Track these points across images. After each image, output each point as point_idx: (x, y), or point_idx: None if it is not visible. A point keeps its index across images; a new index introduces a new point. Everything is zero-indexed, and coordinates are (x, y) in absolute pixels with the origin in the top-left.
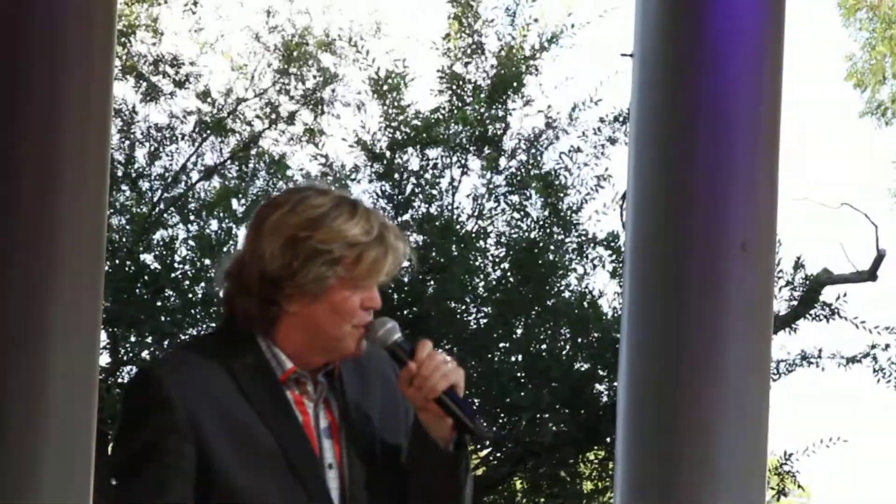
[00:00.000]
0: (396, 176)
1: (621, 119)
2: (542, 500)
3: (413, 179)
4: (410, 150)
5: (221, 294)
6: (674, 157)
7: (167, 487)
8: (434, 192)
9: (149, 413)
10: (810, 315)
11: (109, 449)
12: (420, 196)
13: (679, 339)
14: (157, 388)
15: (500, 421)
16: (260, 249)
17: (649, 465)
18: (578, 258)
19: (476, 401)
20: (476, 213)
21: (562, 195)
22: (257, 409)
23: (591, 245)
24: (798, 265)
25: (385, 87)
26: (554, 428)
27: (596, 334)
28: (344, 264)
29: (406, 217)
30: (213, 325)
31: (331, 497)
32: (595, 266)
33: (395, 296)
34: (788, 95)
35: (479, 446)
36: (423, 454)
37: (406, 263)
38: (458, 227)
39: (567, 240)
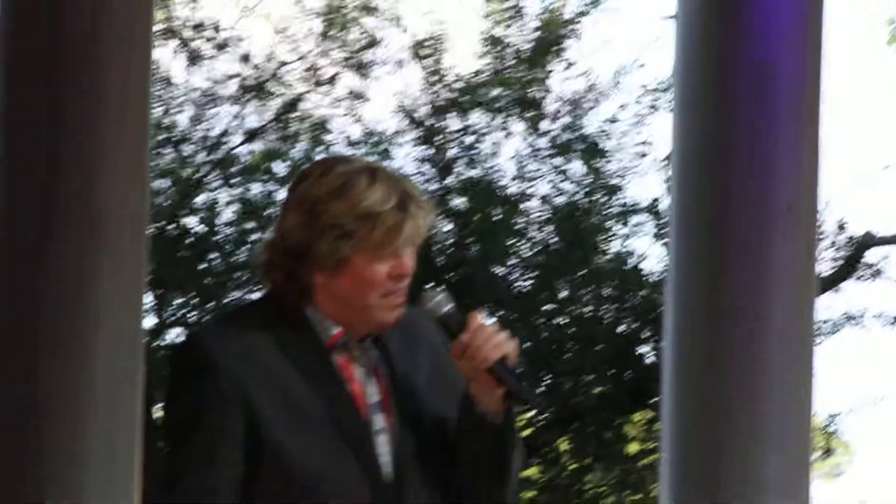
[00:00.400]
0: (438, 140)
1: (663, 87)
2: (588, 461)
3: (455, 144)
4: (452, 114)
5: (260, 265)
6: (717, 120)
7: (216, 451)
8: (476, 155)
9: (196, 378)
10: (854, 276)
11: (156, 410)
12: (462, 160)
13: (723, 301)
14: (203, 353)
15: (545, 384)
16: (285, 222)
17: (695, 424)
18: (621, 222)
19: (520, 366)
20: (519, 176)
21: (604, 159)
22: (304, 375)
23: (633, 210)
24: (841, 226)
25: (425, 51)
26: (598, 390)
27: (639, 296)
28: (358, 237)
29: (449, 180)
30: (257, 286)
31: (378, 463)
32: (637, 231)
33: (439, 260)
34: (832, 58)
35: (524, 410)
36: (471, 425)
37: (446, 227)
38: (500, 190)
39: (610, 202)
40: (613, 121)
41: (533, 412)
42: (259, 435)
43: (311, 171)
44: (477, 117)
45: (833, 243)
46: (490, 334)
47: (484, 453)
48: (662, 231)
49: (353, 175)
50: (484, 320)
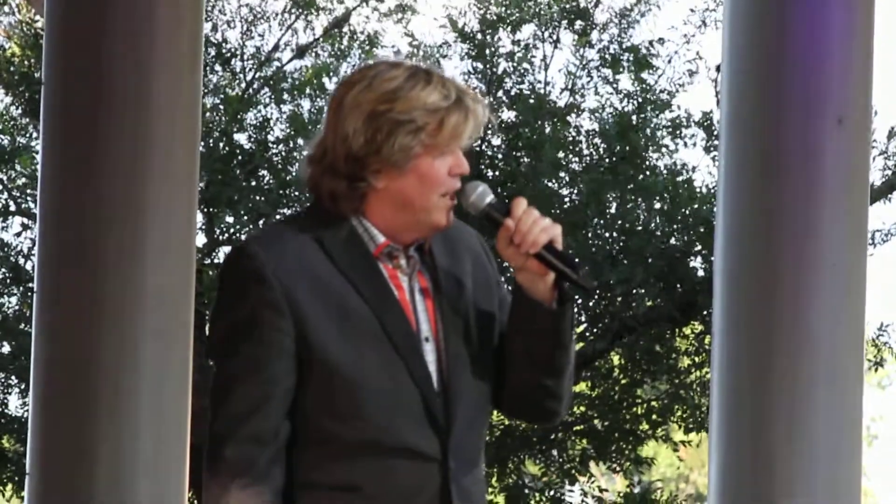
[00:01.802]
0: (488, 53)
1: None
2: (639, 375)
3: (504, 58)
4: (500, 27)
5: (307, 179)
6: (769, 33)
7: (266, 363)
8: (526, 68)
9: (244, 289)
10: None
11: (207, 329)
12: (512, 75)
13: (776, 212)
14: (251, 263)
15: (596, 297)
16: (342, 129)
17: (746, 336)
18: (671, 135)
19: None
20: (569, 88)
21: (653, 72)
22: (353, 283)
23: (685, 123)
24: (892, 134)
25: None
26: (649, 303)
27: (690, 209)
28: (427, 131)
29: (499, 94)
30: (308, 204)
31: (428, 370)
32: (687, 144)
33: (490, 173)
34: None
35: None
36: (526, 314)
37: (496, 141)
38: (550, 103)
39: (660, 117)
40: (662, 41)
41: (583, 326)
42: (309, 345)
43: (361, 76)
44: (525, 29)
45: (883, 151)
46: (536, 217)
47: (542, 342)
48: (713, 144)
49: (409, 75)
50: (527, 206)
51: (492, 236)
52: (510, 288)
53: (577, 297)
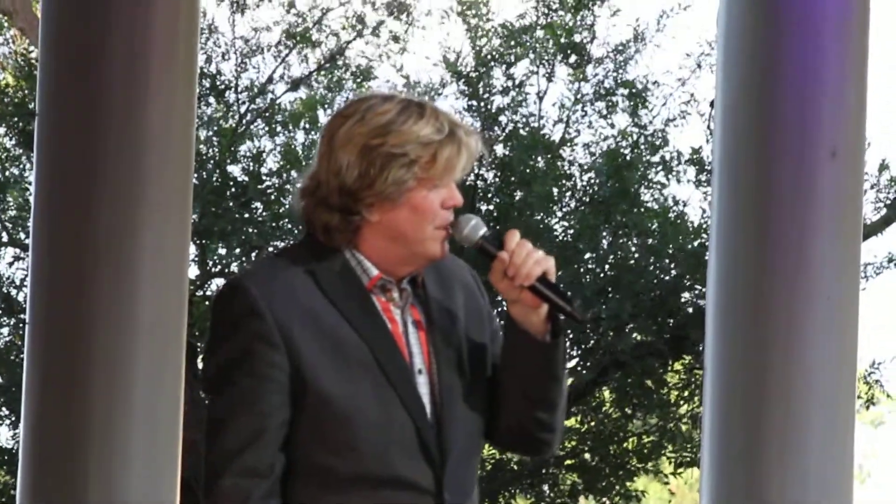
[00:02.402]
0: (482, 90)
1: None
2: (630, 409)
3: (499, 96)
4: (495, 64)
5: (300, 211)
6: (761, 66)
7: (261, 396)
8: (520, 102)
9: (238, 323)
10: None
11: (199, 362)
12: (506, 111)
13: (769, 246)
14: (244, 297)
15: (587, 331)
16: (335, 163)
17: (738, 372)
18: (663, 170)
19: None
20: (563, 120)
21: (648, 109)
22: (346, 316)
23: (676, 159)
24: (883, 167)
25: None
26: (639, 337)
27: (682, 244)
28: (420, 165)
29: (495, 130)
30: (300, 235)
31: (422, 402)
32: (679, 180)
33: (484, 207)
34: (878, 5)
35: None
36: (520, 347)
37: (490, 175)
38: (544, 135)
39: (652, 150)
40: (657, 83)
41: (574, 360)
42: (304, 378)
43: (353, 110)
44: (521, 70)
45: (875, 184)
46: (530, 250)
47: (535, 374)
48: (704, 179)
49: (402, 108)
50: (521, 238)
51: (485, 270)
52: (503, 321)
53: (569, 330)
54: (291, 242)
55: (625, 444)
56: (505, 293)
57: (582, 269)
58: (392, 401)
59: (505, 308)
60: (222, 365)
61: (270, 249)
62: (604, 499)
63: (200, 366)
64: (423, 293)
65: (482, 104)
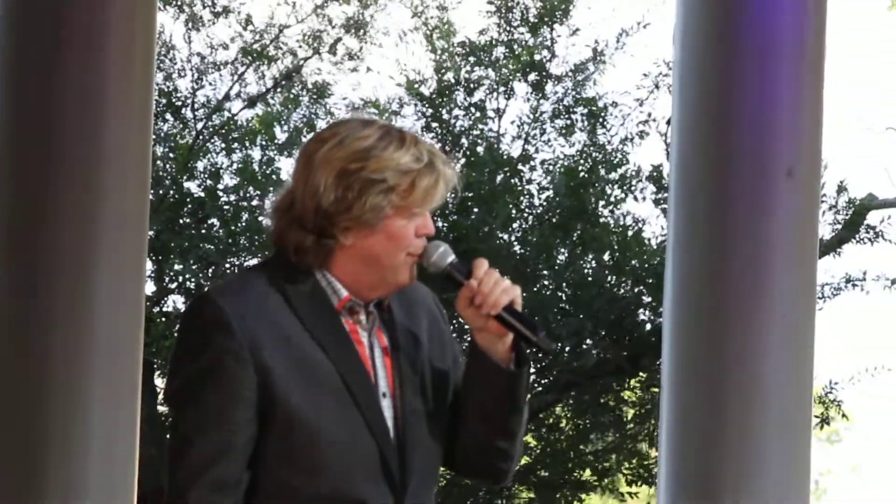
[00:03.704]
0: (443, 112)
1: (666, 68)
2: (586, 426)
3: (460, 117)
4: (457, 86)
5: (270, 229)
6: (718, 84)
7: (229, 412)
8: (479, 120)
9: (207, 337)
10: (855, 238)
11: (156, 377)
12: (469, 133)
13: (725, 265)
14: (215, 313)
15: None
16: (312, 184)
17: (695, 390)
18: (621, 188)
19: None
20: (522, 137)
21: (606, 131)
22: (315, 337)
23: (636, 177)
24: (842, 189)
25: (429, 13)
26: (597, 354)
27: (639, 261)
28: (398, 192)
29: (457, 155)
30: (258, 252)
31: (386, 426)
32: (637, 198)
33: (440, 223)
34: (833, 20)
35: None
36: (483, 375)
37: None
38: (502, 153)
39: (610, 168)
40: (615, 104)
41: (531, 377)
42: (272, 396)
43: (332, 133)
44: (481, 80)
45: (833, 206)
46: (498, 278)
47: (497, 402)
48: (662, 197)
49: (382, 134)
50: (489, 267)
51: (451, 295)
52: (467, 347)
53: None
54: (261, 259)
55: (579, 460)
56: (471, 321)
57: (538, 287)
58: (357, 423)
59: (469, 335)
60: (190, 378)
61: (227, 266)
62: None
63: (159, 382)
64: (389, 317)
65: (442, 125)
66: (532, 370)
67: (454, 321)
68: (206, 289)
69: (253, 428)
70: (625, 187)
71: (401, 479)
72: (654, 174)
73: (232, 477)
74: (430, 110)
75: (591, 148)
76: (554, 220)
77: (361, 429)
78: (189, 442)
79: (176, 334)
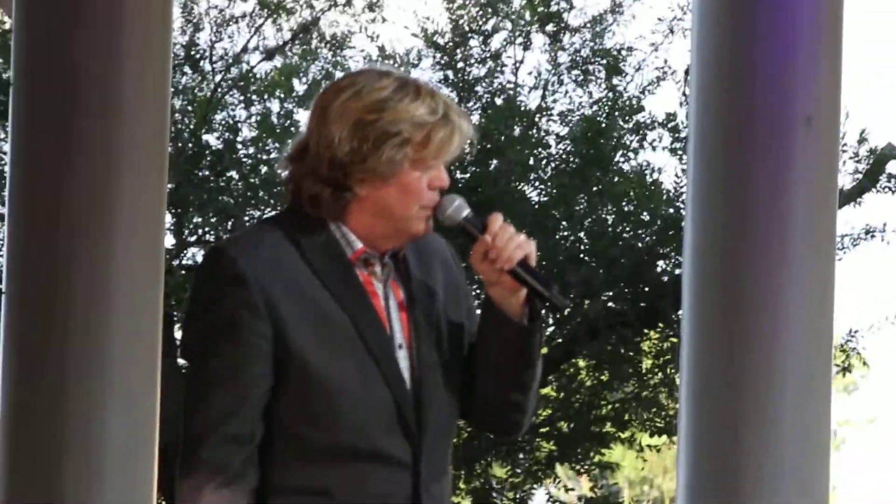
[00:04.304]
0: (459, 60)
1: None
2: (605, 377)
3: (476, 66)
4: (472, 36)
5: (285, 179)
6: (736, 33)
7: (244, 365)
8: (496, 77)
9: (222, 290)
10: (875, 189)
11: (176, 330)
12: (483, 82)
13: (744, 215)
14: (229, 265)
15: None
16: (327, 135)
17: (715, 340)
18: (638, 137)
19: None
20: (540, 87)
21: (622, 78)
22: (330, 289)
23: (652, 125)
24: (862, 138)
25: None
26: (614, 306)
27: (658, 211)
28: (413, 144)
29: (471, 104)
30: (277, 205)
31: (402, 378)
32: (655, 148)
33: (459, 175)
34: None
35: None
36: (496, 329)
37: (467, 146)
38: (520, 104)
39: (627, 117)
40: (630, 49)
41: (550, 329)
42: (287, 348)
43: (349, 83)
44: (498, 42)
45: (854, 155)
46: (512, 234)
47: (510, 356)
48: (679, 147)
49: (399, 86)
50: (504, 221)
51: (466, 249)
52: (481, 300)
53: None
54: (275, 212)
55: (599, 412)
56: (485, 275)
57: (557, 237)
58: (373, 375)
59: (484, 288)
60: (205, 331)
61: (246, 219)
62: (578, 467)
63: (178, 335)
64: (405, 268)
65: (458, 75)
66: (550, 322)
67: (470, 275)
68: (219, 241)
69: (269, 381)
70: (641, 136)
71: (417, 431)
72: (670, 123)
73: (247, 431)
74: (447, 59)
75: (609, 96)
76: (571, 169)
77: (377, 380)
78: (205, 396)
79: (189, 288)
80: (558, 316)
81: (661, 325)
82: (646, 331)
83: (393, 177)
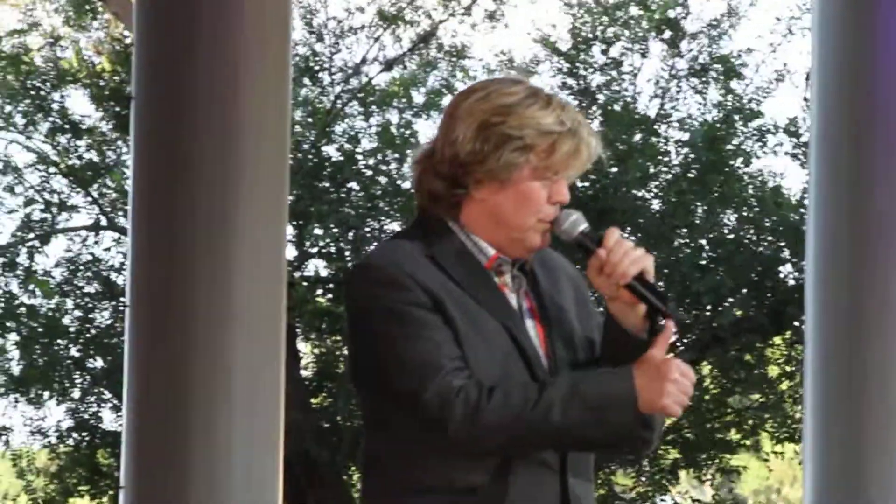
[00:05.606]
0: (580, 68)
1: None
2: (730, 385)
3: (594, 69)
4: (592, 41)
5: (413, 180)
6: (856, 32)
7: (441, 344)
8: (615, 79)
9: (389, 292)
10: None
11: (299, 341)
12: (605, 89)
13: (867, 220)
14: (384, 271)
15: (684, 308)
16: (452, 134)
17: (839, 345)
18: (759, 143)
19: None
20: (659, 95)
21: (741, 82)
22: (474, 296)
23: (771, 130)
24: None
25: None
26: (738, 313)
27: (779, 216)
28: (536, 152)
29: (592, 109)
30: (397, 215)
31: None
32: (777, 153)
33: (578, 183)
34: None
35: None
36: (617, 344)
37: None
38: (638, 113)
39: (747, 125)
40: (749, 50)
41: (673, 337)
42: (462, 354)
43: (481, 87)
44: (616, 50)
45: None
46: (628, 248)
47: None
48: (800, 152)
49: (529, 94)
50: (620, 236)
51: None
52: (602, 315)
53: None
54: (393, 226)
55: (724, 419)
56: (601, 289)
57: (678, 245)
58: (524, 377)
59: (605, 303)
60: (376, 333)
61: (367, 230)
62: (702, 474)
63: (301, 346)
64: (533, 280)
65: (579, 81)
66: (673, 329)
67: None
68: (357, 261)
69: (456, 350)
70: (761, 141)
71: None
72: (791, 128)
73: (460, 361)
74: (567, 65)
75: (728, 100)
76: (691, 177)
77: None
78: (402, 358)
79: (345, 311)
80: (688, 322)
81: (787, 331)
82: (771, 337)
83: (509, 181)
